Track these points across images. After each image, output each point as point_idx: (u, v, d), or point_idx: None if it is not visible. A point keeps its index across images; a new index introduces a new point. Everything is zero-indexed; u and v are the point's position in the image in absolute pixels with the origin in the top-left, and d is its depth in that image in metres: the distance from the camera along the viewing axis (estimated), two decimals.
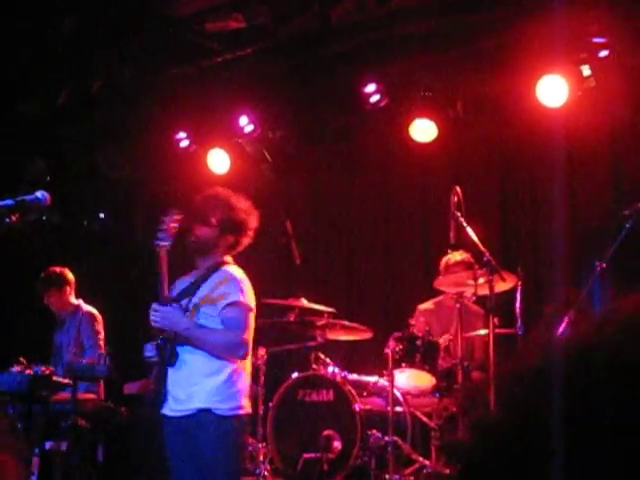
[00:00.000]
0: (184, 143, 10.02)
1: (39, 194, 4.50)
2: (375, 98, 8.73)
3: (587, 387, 1.10)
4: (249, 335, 5.27)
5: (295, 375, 7.87)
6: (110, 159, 10.27)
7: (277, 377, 8.17)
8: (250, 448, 8.05)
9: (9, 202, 4.36)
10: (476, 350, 7.87)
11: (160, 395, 5.26)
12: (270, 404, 7.79)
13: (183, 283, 5.49)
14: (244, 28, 8.19)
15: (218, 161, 9.99)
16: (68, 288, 8.38)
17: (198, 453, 5.11)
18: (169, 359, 5.17)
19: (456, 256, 7.85)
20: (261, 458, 7.85)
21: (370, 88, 8.71)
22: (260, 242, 9.89)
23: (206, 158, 9.99)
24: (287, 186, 10.39)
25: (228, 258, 5.50)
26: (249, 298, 5.33)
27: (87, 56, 8.90)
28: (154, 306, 5.09)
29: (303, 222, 9.92)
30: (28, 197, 4.48)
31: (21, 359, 7.35)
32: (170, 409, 5.28)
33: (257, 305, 8.23)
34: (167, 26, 8.46)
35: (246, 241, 5.55)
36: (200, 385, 5.17)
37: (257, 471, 7.75)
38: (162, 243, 5.24)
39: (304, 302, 8.10)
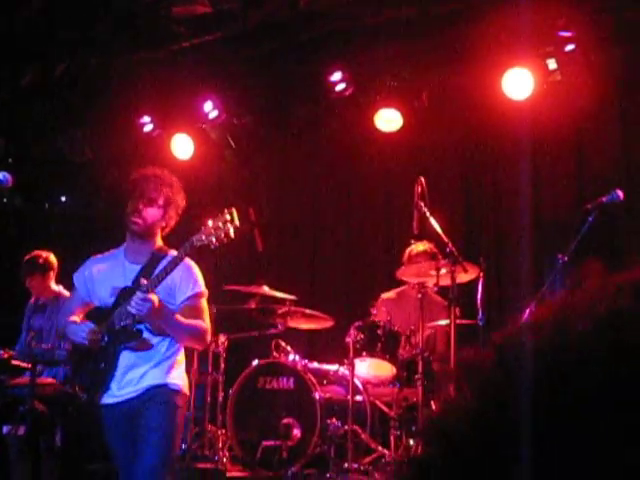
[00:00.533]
0: (148, 127, 9.98)
1: (0, 175, 4.47)
2: (341, 87, 8.74)
3: (554, 376, 1.10)
4: (209, 322, 5.23)
5: (255, 362, 7.89)
6: (73, 142, 10.20)
7: (237, 364, 8.18)
8: (209, 435, 8.07)
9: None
10: (438, 341, 7.92)
11: (101, 385, 5.12)
12: (230, 391, 7.81)
13: (114, 265, 5.27)
14: (211, 13, 8.17)
15: (182, 146, 9.96)
16: (52, 273, 8.30)
17: (142, 430, 4.96)
18: (135, 344, 5.07)
19: (419, 246, 7.89)
20: (220, 445, 7.86)
21: (336, 77, 8.71)
22: None
23: (170, 143, 9.96)
24: (251, 173, 10.38)
25: (160, 242, 5.35)
26: (203, 285, 5.24)
27: (52, 37, 8.83)
28: (142, 296, 4.81)
29: (266, 209, 9.93)
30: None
31: None
32: (113, 396, 5.12)
33: (218, 292, 8.30)
34: (133, 9, 8.41)
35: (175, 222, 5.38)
36: (159, 366, 5.11)
37: (216, 458, 7.76)
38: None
39: (266, 289, 8.11)
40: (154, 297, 4.81)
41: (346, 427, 7.27)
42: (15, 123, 9.99)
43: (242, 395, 7.77)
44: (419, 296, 7.22)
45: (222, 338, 8.23)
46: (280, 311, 8.17)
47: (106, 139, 10.29)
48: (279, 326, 8.23)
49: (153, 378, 5.08)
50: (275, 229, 10.02)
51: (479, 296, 6.87)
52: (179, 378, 5.18)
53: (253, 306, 8.31)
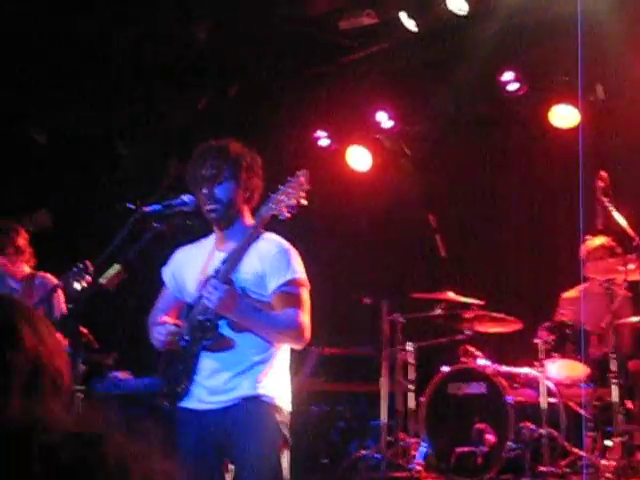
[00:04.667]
0: (324, 141, 10.26)
1: (186, 198, 4.64)
2: (513, 86, 8.78)
3: None
4: (309, 317, 4.58)
5: (445, 369, 7.95)
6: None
7: (427, 371, 8.28)
8: (402, 444, 8.21)
9: (156, 207, 4.54)
10: (625, 338, 7.81)
11: (181, 387, 4.61)
12: (421, 399, 7.91)
13: (203, 256, 4.77)
14: (377, 24, 8.36)
15: (358, 158, 10.20)
16: None
17: (238, 450, 4.44)
18: (212, 343, 4.53)
19: (595, 241, 7.81)
20: (414, 453, 7.98)
21: (508, 76, 8.76)
22: (405, 236, 10.14)
23: (346, 155, 10.21)
24: (428, 179, 10.46)
25: (251, 220, 4.70)
26: (303, 272, 4.63)
27: (224, 60, 9.22)
28: (214, 283, 4.41)
29: (446, 214, 9.99)
30: (175, 201, 4.66)
31: None
32: (200, 401, 4.57)
33: (406, 300, 8.43)
34: (301, 26, 8.70)
35: (259, 184, 4.79)
36: (249, 372, 4.49)
37: (410, 466, 7.88)
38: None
39: (451, 295, 8.19)
40: (223, 285, 4.36)
41: (540, 430, 7.28)
42: (191, 146, 10.43)
43: (433, 402, 7.86)
44: (608, 293, 7.17)
45: (410, 346, 8.35)
46: (467, 316, 8.23)
47: (283, 156, 10.61)
48: (467, 331, 8.28)
49: (242, 387, 4.48)
50: (457, 233, 10.07)
51: None
52: (276, 388, 4.53)
53: (439, 313, 8.39)
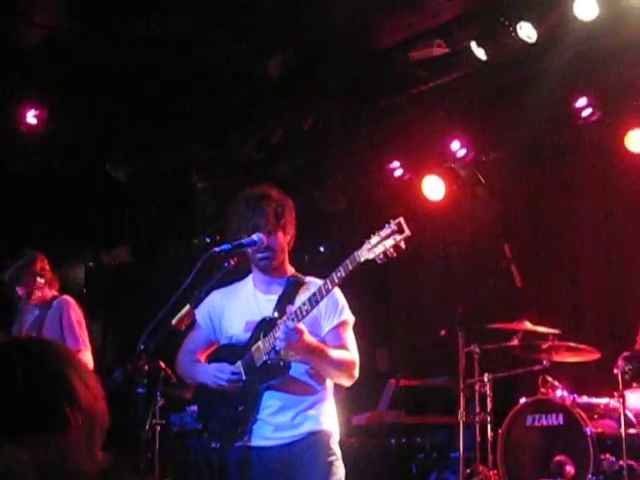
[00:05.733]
0: (398, 172, 10.32)
1: (255, 237, 4.74)
2: (587, 112, 8.74)
3: None
4: (357, 355, 4.85)
5: (523, 400, 7.91)
6: (327, 193, 10.66)
7: (504, 403, 8.24)
8: (481, 476, 8.16)
9: (227, 246, 4.62)
10: None
11: (242, 428, 4.76)
12: (499, 430, 7.88)
13: (244, 298, 4.95)
14: (447, 54, 8.42)
15: (433, 187, 10.22)
16: None
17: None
18: (279, 383, 4.69)
19: None
20: None
21: (581, 102, 8.73)
22: (480, 266, 10.11)
23: (421, 185, 10.24)
24: (504, 208, 10.43)
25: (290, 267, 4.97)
26: (350, 313, 4.91)
27: (297, 94, 9.35)
28: (289, 325, 4.50)
29: (522, 243, 9.93)
30: (245, 240, 4.75)
31: None
32: (264, 438, 4.74)
33: (481, 331, 8.41)
34: (373, 58, 8.79)
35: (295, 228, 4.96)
36: (312, 407, 4.77)
37: None
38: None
39: (528, 325, 8.14)
40: (302, 327, 4.50)
41: (621, 462, 7.19)
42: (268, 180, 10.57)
43: (511, 434, 7.81)
44: None
45: (487, 377, 8.31)
46: (544, 346, 8.14)
47: (358, 187, 10.69)
48: (544, 362, 8.20)
49: (308, 423, 4.75)
50: (533, 263, 10.01)
51: None
52: (333, 422, 4.86)
53: (516, 343, 8.33)
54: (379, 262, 4.42)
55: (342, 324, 4.82)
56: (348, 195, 10.63)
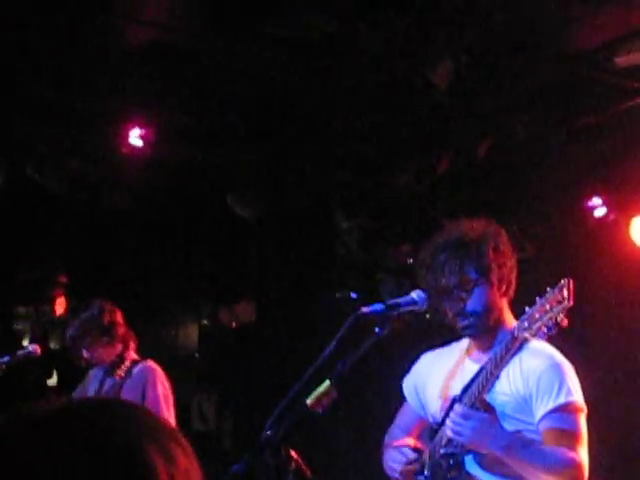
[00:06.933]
0: (600, 212, 10.13)
1: (415, 295, 4.64)
2: None
3: None
4: (586, 453, 4.48)
5: None
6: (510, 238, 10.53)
7: None
8: None
9: (378, 307, 4.53)
10: None
11: None
12: None
13: (450, 365, 4.80)
14: None
15: None
16: None
17: None
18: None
19: None
20: None
21: None
22: None
23: (629, 228, 10.03)
24: None
25: (512, 319, 4.72)
26: (580, 393, 4.56)
27: (469, 110, 9.28)
28: (464, 411, 4.40)
29: None
30: (402, 299, 4.65)
31: None
32: None
33: None
34: (565, 65, 8.66)
35: (513, 265, 4.84)
36: None
37: None
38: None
39: None
40: (476, 413, 4.34)
41: None
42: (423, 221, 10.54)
43: None
44: None
45: None
46: None
47: (549, 230, 10.54)
48: None
49: None
50: None
51: None
52: None
53: None
54: (542, 337, 4.36)
55: (562, 408, 4.45)
56: (535, 241, 10.48)
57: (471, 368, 4.64)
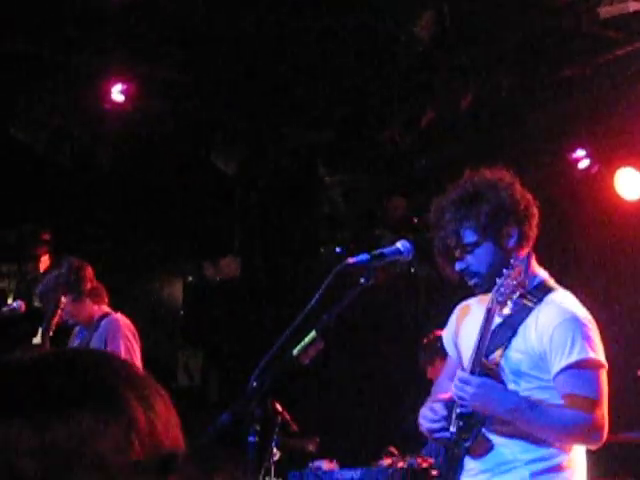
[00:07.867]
0: (583, 163, 10.13)
1: (400, 245, 4.63)
2: None
3: None
4: (605, 408, 4.40)
5: None
6: None
7: None
8: None
9: (364, 257, 4.53)
10: None
11: None
12: None
13: (480, 316, 4.61)
14: None
15: (628, 183, 9.99)
16: None
17: None
18: (471, 444, 4.48)
19: None
20: None
21: None
22: None
23: (613, 180, 10.02)
24: None
25: (542, 271, 4.68)
26: (600, 348, 4.47)
27: (452, 62, 9.26)
28: (463, 377, 4.39)
29: None
30: (387, 250, 4.65)
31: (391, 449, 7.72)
32: None
33: None
34: (548, 15, 8.63)
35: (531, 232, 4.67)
36: (516, 471, 4.45)
37: None
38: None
39: None
40: (475, 379, 4.33)
41: None
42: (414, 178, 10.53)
43: None
44: None
45: None
46: None
47: (532, 182, 10.49)
48: None
49: None
50: None
51: None
52: None
53: None
54: None
55: (578, 364, 4.34)
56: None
57: (496, 321, 4.50)
